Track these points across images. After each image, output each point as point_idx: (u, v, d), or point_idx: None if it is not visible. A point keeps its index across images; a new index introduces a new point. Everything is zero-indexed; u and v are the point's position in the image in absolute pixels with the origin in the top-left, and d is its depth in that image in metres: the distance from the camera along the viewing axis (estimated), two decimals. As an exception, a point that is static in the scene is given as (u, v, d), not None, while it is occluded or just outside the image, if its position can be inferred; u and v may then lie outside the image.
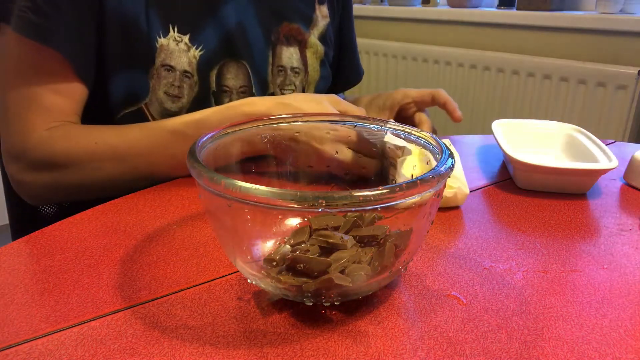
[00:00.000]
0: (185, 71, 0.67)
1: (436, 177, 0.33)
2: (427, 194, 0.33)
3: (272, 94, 0.77)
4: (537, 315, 0.37)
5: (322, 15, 0.83)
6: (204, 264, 0.43)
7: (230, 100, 0.70)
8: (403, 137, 0.45)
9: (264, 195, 0.30)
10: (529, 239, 0.48)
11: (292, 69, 0.78)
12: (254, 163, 0.47)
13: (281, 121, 0.47)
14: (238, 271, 0.42)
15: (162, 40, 0.65)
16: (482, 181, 0.63)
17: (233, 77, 0.71)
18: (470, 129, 1.93)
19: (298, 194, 0.30)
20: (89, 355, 0.33)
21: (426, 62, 2.04)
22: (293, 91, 0.80)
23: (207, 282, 0.41)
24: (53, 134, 0.60)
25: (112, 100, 0.66)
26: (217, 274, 0.42)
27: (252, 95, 0.74)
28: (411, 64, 2.10)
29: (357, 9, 2.34)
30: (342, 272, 0.35)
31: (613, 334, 0.35)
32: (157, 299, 0.38)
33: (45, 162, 0.60)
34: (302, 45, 0.79)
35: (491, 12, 1.87)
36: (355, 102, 0.85)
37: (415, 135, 0.43)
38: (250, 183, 0.31)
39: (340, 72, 0.93)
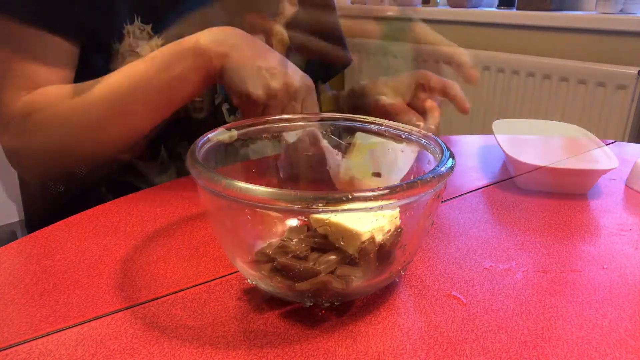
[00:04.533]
0: None
1: (436, 178, 0.33)
2: (427, 194, 0.33)
3: None
4: (537, 315, 0.37)
5: (291, 3, 0.83)
6: (204, 264, 0.43)
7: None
8: (402, 136, 0.44)
9: (264, 195, 0.30)
10: (529, 239, 0.48)
11: None
12: (253, 163, 0.47)
13: (282, 122, 0.47)
14: (238, 271, 0.41)
15: (128, 27, 0.68)
16: (482, 181, 0.63)
17: None
18: (471, 129, 1.92)
19: (298, 194, 0.30)
20: (89, 355, 0.33)
21: (425, 62, 2.04)
22: None
23: (207, 282, 0.41)
24: (33, 97, 0.62)
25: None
26: (217, 274, 0.42)
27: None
28: (411, 64, 2.10)
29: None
30: (332, 272, 0.35)
31: (613, 334, 0.35)
32: (157, 299, 0.38)
33: (29, 120, 0.62)
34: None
35: (491, 12, 1.86)
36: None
37: (415, 135, 0.43)
38: (250, 183, 0.31)
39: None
